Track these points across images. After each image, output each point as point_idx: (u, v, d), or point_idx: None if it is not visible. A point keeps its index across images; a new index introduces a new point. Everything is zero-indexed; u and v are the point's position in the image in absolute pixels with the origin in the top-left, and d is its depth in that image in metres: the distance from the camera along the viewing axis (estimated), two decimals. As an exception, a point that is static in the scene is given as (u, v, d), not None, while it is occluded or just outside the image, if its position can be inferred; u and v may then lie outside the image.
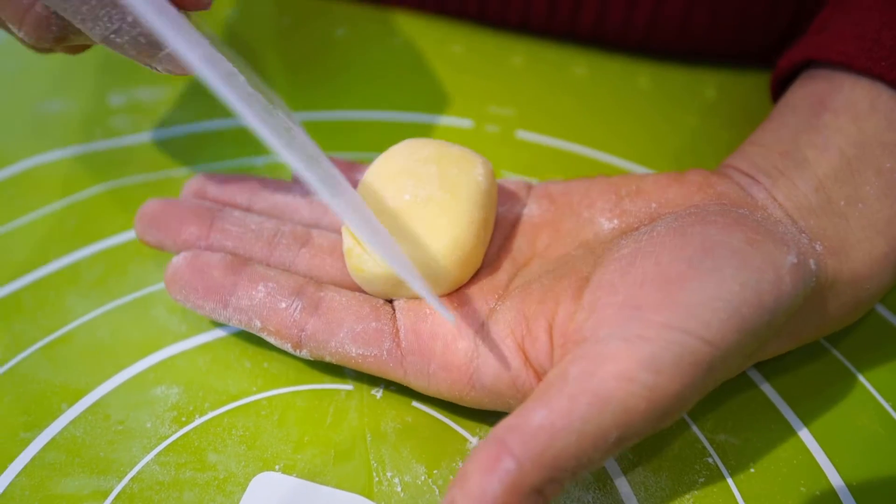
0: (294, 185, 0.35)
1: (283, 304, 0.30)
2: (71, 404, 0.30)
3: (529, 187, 0.34)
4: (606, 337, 0.24)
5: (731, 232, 0.26)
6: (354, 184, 0.35)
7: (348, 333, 0.29)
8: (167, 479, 0.28)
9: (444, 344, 0.28)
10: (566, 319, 0.26)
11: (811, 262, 0.27)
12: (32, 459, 0.29)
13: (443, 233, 0.29)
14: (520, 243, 0.32)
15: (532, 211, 0.33)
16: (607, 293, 0.26)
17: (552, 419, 0.23)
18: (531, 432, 0.23)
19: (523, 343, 0.27)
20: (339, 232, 0.33)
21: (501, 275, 0.31)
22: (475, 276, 0.31)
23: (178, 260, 0.31)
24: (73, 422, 0.30)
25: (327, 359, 0.30)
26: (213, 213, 0.33)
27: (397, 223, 0.29)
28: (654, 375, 0.23)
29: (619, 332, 0.24)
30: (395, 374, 0.29)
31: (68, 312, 0.33)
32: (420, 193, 0.30)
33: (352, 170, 0.36)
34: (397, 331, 0.29)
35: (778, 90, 0.36)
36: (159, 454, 0.29)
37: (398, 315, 0.30)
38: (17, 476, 0.28)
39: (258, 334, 0.30)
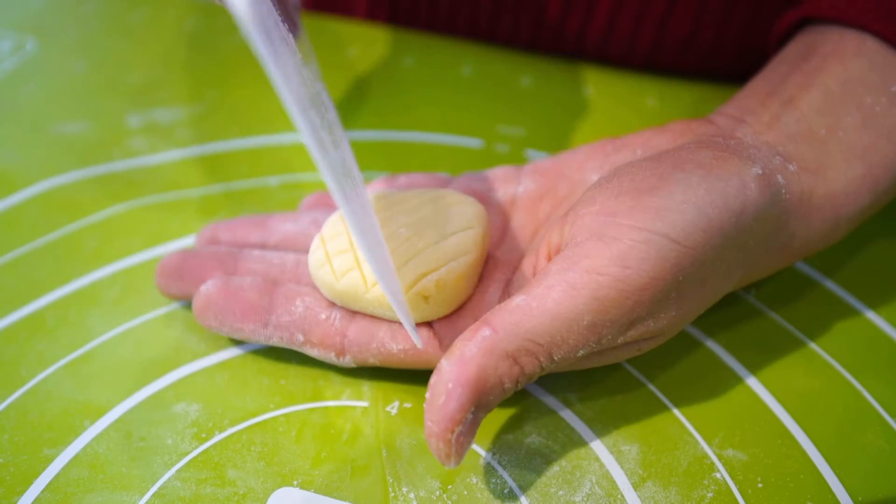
0: (301, 214, 0.36)
1: (324, 315, 0.31)
2: (93, 421, 0.31)
3: (519, 169, 0.36)
4: (584, 240, 0.27)
5: (700, 151, 0.29)
6: None
7: (387, 331, 0.30)
8: (188, 495, 0.29)
9: (472, 313, 0.31)
10: (558, 238, 0.29)
11: (779, 176, 0.29)
12: (56, 476, 0.29)
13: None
14: (522, 220, 0.34)
15: (527, 187, 0.35)
16: (587, 205, 0.29)
17: (528, 301, 0.27)
18: (509, 310, 0.27)
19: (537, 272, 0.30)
20: None
21: (511, 254, 0.33)
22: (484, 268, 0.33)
23: (207, 287, 0.32)
24: (95, 438, 0.30)
25: (370, 361, 0.31)
26: (235, 256, 0.34)
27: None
28: (622, 269, 0.26)
29: (595, 234, 0.27)
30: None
31: (89, 331, 0.34)
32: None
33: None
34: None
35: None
36: (180, 470, 0.29)
37: None
38: (41, 492, 0.29)
39: (299, 349, 0.31)
